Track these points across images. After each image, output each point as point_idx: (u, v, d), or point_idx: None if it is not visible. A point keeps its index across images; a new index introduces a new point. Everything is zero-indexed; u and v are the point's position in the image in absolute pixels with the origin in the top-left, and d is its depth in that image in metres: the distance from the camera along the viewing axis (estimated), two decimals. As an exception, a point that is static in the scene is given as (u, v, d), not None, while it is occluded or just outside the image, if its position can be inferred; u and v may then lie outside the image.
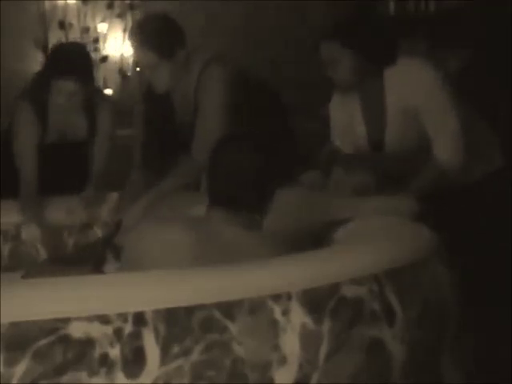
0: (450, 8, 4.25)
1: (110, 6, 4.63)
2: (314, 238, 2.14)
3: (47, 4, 4.56)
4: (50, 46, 4.43)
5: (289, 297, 1.56)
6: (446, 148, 2.43)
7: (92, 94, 2.98)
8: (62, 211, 2.81)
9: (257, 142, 1.99)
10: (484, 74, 3.83)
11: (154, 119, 2.89)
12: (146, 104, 2.93)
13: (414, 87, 2.44)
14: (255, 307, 1.54)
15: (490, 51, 3.95)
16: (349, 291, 1.62)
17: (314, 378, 1.55)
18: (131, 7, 4.64)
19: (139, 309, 1.45)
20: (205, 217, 1.92)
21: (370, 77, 2.50)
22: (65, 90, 2.81)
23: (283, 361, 1.53)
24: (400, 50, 2.52)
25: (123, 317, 1.44)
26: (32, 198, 2.80)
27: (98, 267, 2.22)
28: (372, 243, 1.89)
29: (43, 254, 2.78)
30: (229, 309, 1.52)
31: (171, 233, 1.85)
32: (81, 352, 1.41)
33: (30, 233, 2.76)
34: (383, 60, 2.48)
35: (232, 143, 1.98)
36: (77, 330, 1.42)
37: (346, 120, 2.64)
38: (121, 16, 4.65)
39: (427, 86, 2.44)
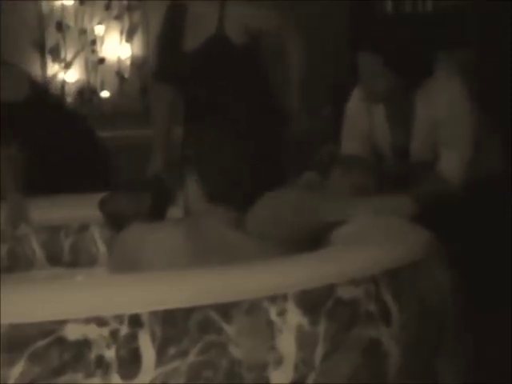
0: (448, 7, 4.26)
1: (107, 8, 4.63)
2: (312, 239, 2.14)
3: (44, 6, 4.57)
4: (48, 48, 4.45)
5: (285, 298, 1.56)
6: (453, 166, 2.45)
7: None
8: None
9: (244, 136, 1.99)
10: (483, 74, 3.83)
11: None
12: None
13: (442, 102, 2.46)
14: (252, 308, 1.54)
15: (488, 51, 3.95)
16: (345, 292, 1.62)
17: (311, 378, 1.55)
18: (129, 9, 4.65)
19: (135, 310, 1.46)
20: (196, 216, 1.92)
21: (403, 88, 2.51)
22: None
23: (279, 362, 1.53)
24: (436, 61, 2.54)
25: (119, 318, 1.44)
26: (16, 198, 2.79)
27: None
28: (369, 244, 1.89)
29: (40, 254, 2.78)
30: (226, 310, 1.52)
31: (165, 234, 1.86)
32: (77, 354, 1.41)
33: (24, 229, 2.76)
34: (421, 74, 2.49)
35: (222, 140, 1.97)
36: (73, 332, 1.42)
37: (365, 124, 2.64)
38: (118, 18, 4.66)
39: (454, 103, 2.46)
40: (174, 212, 2.33)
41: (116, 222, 2.55)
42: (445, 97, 2.46)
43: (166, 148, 3.09)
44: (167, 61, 3.04)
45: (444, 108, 2.46)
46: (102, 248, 2.80)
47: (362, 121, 2.64)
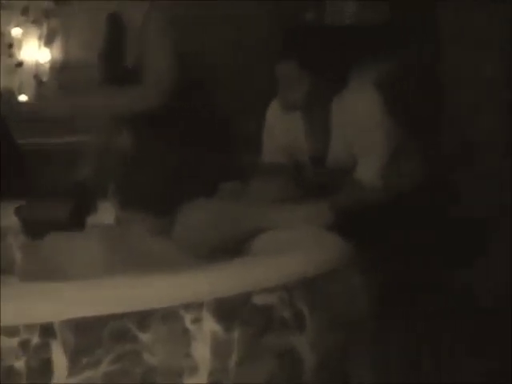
0: (370, 19, 4.32)
1: (24, 13, 4.55)
2: (234, 247, 2.15)
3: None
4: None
5: (200, 306, 1.57)
6: (370, 172, 2.49)
7: None
8: None
9: (168, 146, 1.99)
10: (405, 85, 3.90)
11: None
12: None
13: (356, 110, 2.50)
14: (167, 316, 1.54)
15: (410, 63, 4.02)
16: (259, 299, 1.63)
17: (225, 384, 1.57)
18: (46, 14, 4.57)
19: (47, 320, 1.44)
20: (117, 223, 1.91)
21: (319, 95, 2.54)
22: None
23: (194, 368, 1.54)
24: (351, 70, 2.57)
25: (30, 328, 1.42)
26: None
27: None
28: (284, 253, 1.90)
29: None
30: (140, 318, 1.52)
31: (83, 243, 1.84)
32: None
33: None
34: (337, 80, 2.52)
35: (143, 148, 1.97)
36: (-17, 343, 1.39)
37: (283, 132, 2.66)
38: (36, 22, 4.58)
39: (368, 110, 2.50)
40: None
41: (33, 229, 2.51)
42: (359, 104, 2.51)
43: (100, 155, 3.07)
44: (111, 71, 3.03)
45: (358, 115, 2.50)
46: (19, 257, 2.75)
47: (281, 129, 2.66)
